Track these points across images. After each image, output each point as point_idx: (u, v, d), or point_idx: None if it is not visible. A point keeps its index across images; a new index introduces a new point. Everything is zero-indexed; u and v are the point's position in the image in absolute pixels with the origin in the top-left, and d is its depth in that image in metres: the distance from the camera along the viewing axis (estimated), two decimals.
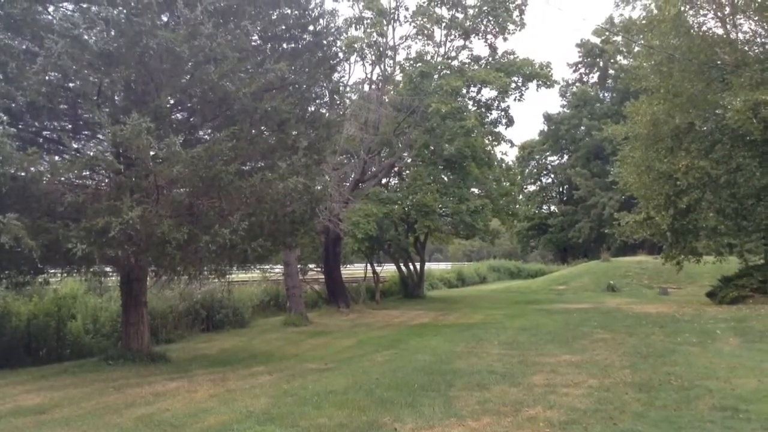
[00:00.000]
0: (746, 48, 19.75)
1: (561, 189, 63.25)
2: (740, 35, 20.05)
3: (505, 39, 27.16)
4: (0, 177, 8.19)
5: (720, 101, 18.82)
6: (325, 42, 13.18)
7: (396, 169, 28.71)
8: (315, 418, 6.95)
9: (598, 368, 9.82)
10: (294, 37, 12.79)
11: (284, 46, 12.82)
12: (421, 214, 24.42)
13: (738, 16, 19.77)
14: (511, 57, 27.58)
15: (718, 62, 19.27)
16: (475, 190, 27.59)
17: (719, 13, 19.89)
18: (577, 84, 60.44)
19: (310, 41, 12.87)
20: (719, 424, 6.44)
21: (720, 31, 20.15)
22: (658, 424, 6.47)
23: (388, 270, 33.22)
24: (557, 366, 10.13)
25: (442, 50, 26.92)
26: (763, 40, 19.74)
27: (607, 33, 43.10)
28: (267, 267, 24.50)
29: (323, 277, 26.75)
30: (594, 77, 60.59)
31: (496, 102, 28.33)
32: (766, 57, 18.95)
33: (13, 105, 9.40)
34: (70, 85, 9.93)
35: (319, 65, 12.83)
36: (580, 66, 60.70)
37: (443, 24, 26.22)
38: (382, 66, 26.02)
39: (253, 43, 12.06)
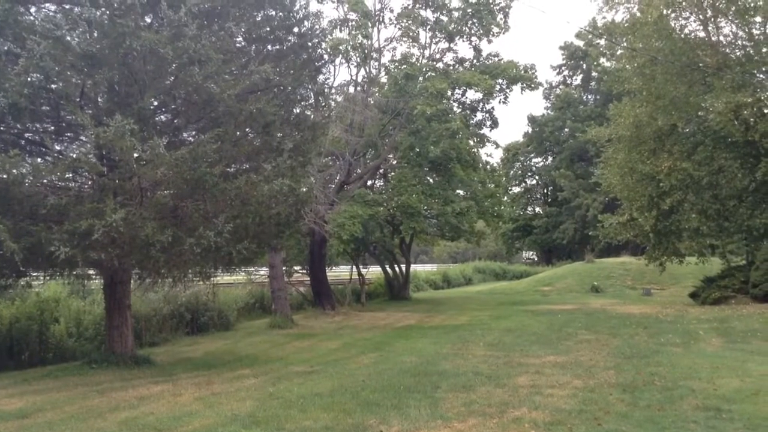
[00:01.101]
0: (727, 50, 19.95)
1: (545, 190, 63.53)
2: (721, 38, 20.27)
3: (489, 41, 27.34)
4: None
5: (702, 103, 19.02)
6: (309, 44, 13.16)
7: (381, 170, 28.72)
8: (300, 421, 6.93)
9: (582, 369, 9.87)
10: (279, 38, 12.76)
11: (269, 47, 12.78)
12: (407, 216, 24.42)
13: (719, 19, 19.97)
14: (496, 59, 27.75)
15: (700, 65, 19.45)
16: (461, 192, 27.64)
17: (701, 16, 20.07)
18: (561, 86, 60.77)
19: (294, 43, 12.84)
20: (702, 424, 6.49)
21: (702, 34, 20.35)
22: (642, 425, 6.51)
23: (373, 272, 33.19)
24: (542, 367, 10.17)
25: (426, 52, 27.03)
26: (743, 42, 19.96)
27: (590, 36, 43.32)
28: (252, 269, 24.47)
29: (309, 279, 26.69)
30: (577, 79, 60.96)
31: (481, 104, 28.49)
32: (747, 59, 19.16)
33: None
34: (53, 86, 9.83)
35: (304, 67, 12.81)
36: (563, 68, 61.01)
37: (428, 26, 26.31)
38: (367, 68, 26.04)
39: (238, 45, 12.04)
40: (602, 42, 26.91)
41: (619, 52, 23.02)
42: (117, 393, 9.28)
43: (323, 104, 16.35)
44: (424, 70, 25.64)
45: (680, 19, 20.48)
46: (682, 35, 20.22)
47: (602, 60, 48.31)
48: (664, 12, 19.58)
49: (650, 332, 14.22)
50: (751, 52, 19.36)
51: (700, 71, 19.53)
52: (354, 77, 26.58)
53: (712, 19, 20.01)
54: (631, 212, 21.52)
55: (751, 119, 18.20)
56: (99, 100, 10.84)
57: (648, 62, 20.12)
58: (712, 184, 19.65)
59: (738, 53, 19.95)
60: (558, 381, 8.94)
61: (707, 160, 19.69)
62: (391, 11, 30.50)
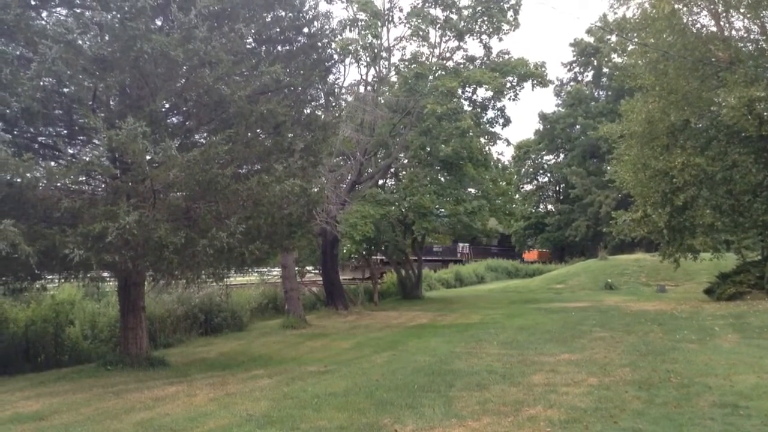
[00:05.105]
0: (740, 45, 19.79)
1: (557, 188, 63.36)
2: (734, 32, 20.11)
3: (500, 39, 27.30)
4: None
5: (715, 98, 18.85)
6: (319, 44, 13.19)
7: (392, 170, 28.71)
8: (315, 421, 6.93)
9: (597, 367, 9.82)
10: (288, 39, 12.79)
11: (279, 48, 12.82)
12: (419, 216, 24.41)
13: (731, 13, 19.81)
14: (506, 57, 27.66)
15: (713, 59, 19.30)
16: (472, 191, 27.59)
17: (713, 11, 19.92)
18: (572, 83, 60.59)
19: (304, 43, 12.87)
20: (719, 420, 6.44)
21: (714, 29, 20.19)
22: (658, 422, 6.46)
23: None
24: (557, 365, 10.12)
25: (436, 51, 26.97)
26: (756, 36, 19.79)
27: (601, 32, 43.09)
28: (264, 270, 24.55)
29: (321, 279, 26.73)
30: (588, 76, 60.73)
31: (492, 102, 28.39)
32: (759, 53, 18.99)
33: (8, 111, 9.36)
34: (65, 90, 9.90)
35: (314, 67, 12.83)
36: (574, 65, 60.81)
37: (438, 25, 26.26)
38: (377, 67, 26.03)
39: (248, 46, 12.06)
40: (613, 38, 26.72)
41: (630, 47, 22.87)
42: (132, 394, 9.33)
43: (334, 104, 16.38)
44: (434, 68, 25.61)
45: (692, 13, 20.34)
46: (694, 30, 20.08)
47: (613, 56, 48.13)
48: (676, 7, 19.45)
49: (665, 329, 14.12)
50: (764, 45, 19.20)
51: (713, 66, 19.38)
52: (364, 77, 26.60)
53: (724, 14, 19.87)
54: (645, 208, 21.36)
55: (765, 113, 18.04)
56: (111, 103, 10.90)
57: (660, 57, 19.98)
58: (726, 179, 19.48)
59: (750, 47, 19.79)
60: (573, 379, 8.89)
61: (721, 155, 19.54)
62: (401, 10, 30.39)
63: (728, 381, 8.30)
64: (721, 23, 19.99)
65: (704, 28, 20.37)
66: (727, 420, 6.45)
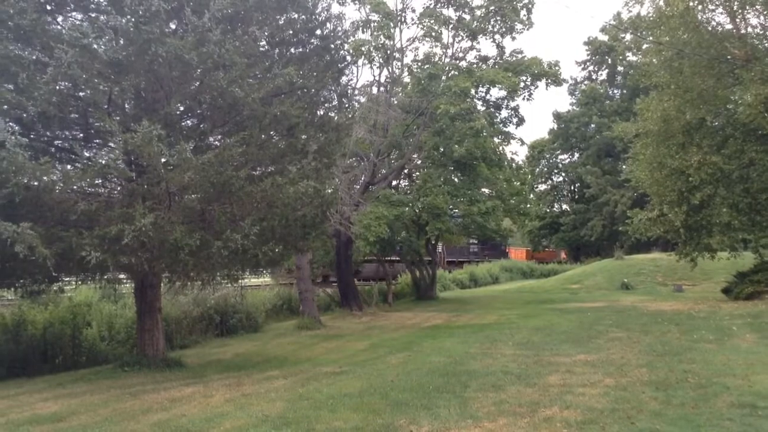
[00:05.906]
0: (756, 42, 19.60)
1: (572, 187, 63.09)
2: (750, 29, 19.91)
3: (513, 39, 27.20)
4: (13, 187, 8.23)
5: (731, 96, 18.69)
6: (332, 46, 13.21)
7: (406, 171, 28.69)
8: (330, 422, 6.94)
9: (614, 367, 9.76)
10: (302, 41, 12.82)
11: (292, 50, 12.85)
12: (433, 217, 24.38)
13: (747, 10, 19.62)
14: (519, 56, 27.58)
15: (728, 57, 19.13)
16: (486, 191, 27.52)
17: (728, 8, 19.74)
18: (586, 82, 60.32)
19: (317, 45, 12.89)
20: (738, 421, 6.38)
21: (729, 26, 20.02)
22: (675, 423, 6.42)
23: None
24: (573, 366, 10.08)
25: (449, 51, 26.92)
26: None
27: (616, 30, 42.84)
28: (279, 270, 24.60)
29: (335, 279, 26.78)
30: (603, 75, 60.51)
31: (506, 101, 28.32)
32: None
33: (25, 115, 9.49)
34: (81, 94, 9.98)
35: (327, 69, 12.85)
36: (588, 64, 60.53)
37: (450, 25, 26.20)
38: (389, 68, 26.03)
39: (261, 49, 12.09)
40: (628, 36, 26.54)
41: (645, 45, 22.71)
42: (149, 395, 9.39)
43: (347, 105, 16.36)
44: (447, 69, 25.56)
45: (707, 11, 20.18)
46: (709, 27, 19.91)
47: (628, 54, 47.84)
48: (691, 4, 19.30)
49: (682, 329, 14.01)
50: None
51: (728, 63, 19.21)
52: (377, 78, 26.62)
53: (740, 11, 19.67)
54: (661, 207, 21.20)
55: None
56: (126, 106, 10.99)
57: (675, 55, 19.84)
58: (743, 177, 19.30)
59: (767, 44, 19.59)
60: (589, 380, 8.85)
61: (737, 153, 19.35)
62: (413, 11, 30.39)
63: (746, 381, 8.23)
64: (737, 20, 19.80)
65: (719, 26, 20.20)
66: (746, 421, 6.39)
